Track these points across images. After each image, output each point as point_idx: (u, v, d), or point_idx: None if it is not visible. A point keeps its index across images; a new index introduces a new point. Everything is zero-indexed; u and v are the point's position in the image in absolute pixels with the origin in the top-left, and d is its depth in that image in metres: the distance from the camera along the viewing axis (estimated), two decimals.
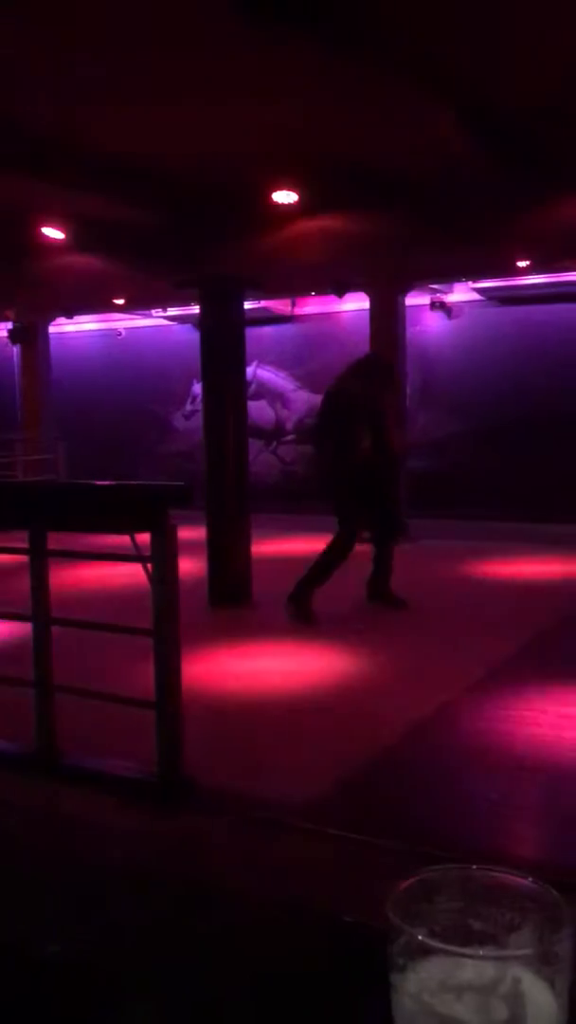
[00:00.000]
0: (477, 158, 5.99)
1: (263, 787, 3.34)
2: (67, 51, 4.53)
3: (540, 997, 0.48)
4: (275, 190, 6.57)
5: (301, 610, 6.08)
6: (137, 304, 12.22)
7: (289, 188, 6.57)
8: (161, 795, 3.22)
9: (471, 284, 11.54)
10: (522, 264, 8.74)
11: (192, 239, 7.22)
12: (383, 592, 6.50)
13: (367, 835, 2.69)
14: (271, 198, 6.66)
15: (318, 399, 13.51)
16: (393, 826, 2.94)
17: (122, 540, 3.42)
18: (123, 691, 3.58)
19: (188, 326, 12.91)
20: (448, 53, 4.86)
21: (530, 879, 0.53)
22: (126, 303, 11.71)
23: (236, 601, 6.72)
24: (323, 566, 6.14)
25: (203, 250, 7.21)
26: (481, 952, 0.49)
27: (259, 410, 13.17)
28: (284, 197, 6.66)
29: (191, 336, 11.77)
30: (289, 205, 6.77)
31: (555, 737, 3.80)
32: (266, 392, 13.44)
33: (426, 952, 0.49)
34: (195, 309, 8.98)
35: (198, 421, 7.76)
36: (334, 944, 0.78)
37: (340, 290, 10.66)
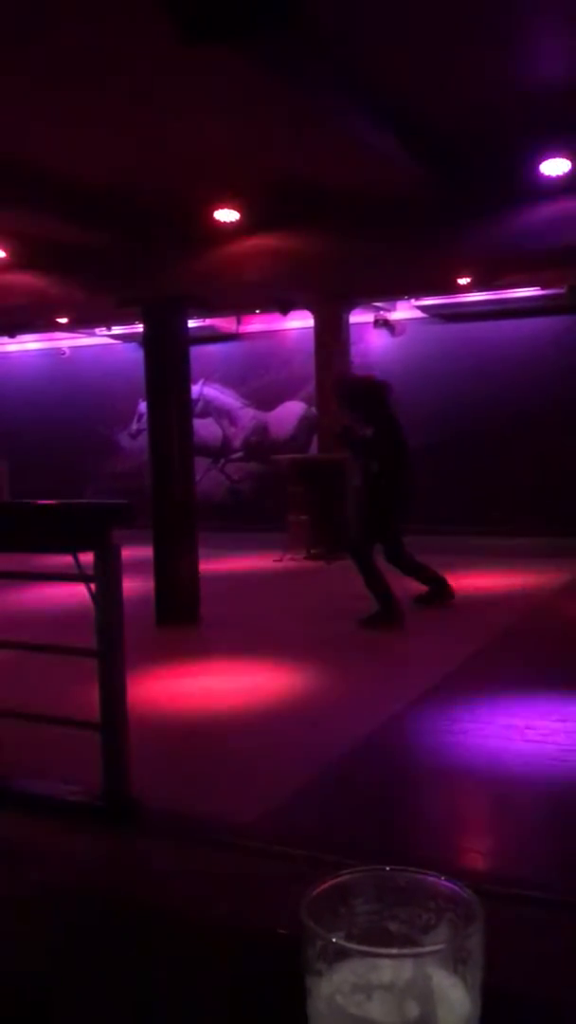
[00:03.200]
0: (417, 177, 6.08)
1: (209, 806, 3.32)
2: (7, 71, 4.51)
3: (452, 993, 0.49)
4: (217, 208, 6.59)
5: (388, 620, 6.26)
6: (81, 323, 12.15)
7: (230, 207, 6.60)
8: (107, 817, 3.18)
9: (414, 302, 11.70)
10: (463, 282, 8.89)
11: (134, 258, 7.21)
12: (432, 596, 6.89)
13: (311, 851, 2.69)
14: (213, 216, 6.69)
15: (264, 416, 13.60)
16: (337, 841, 2.94)
17: (65, 560, 3.38)
18: (67, 713, 3.53)
19: (133, 344, 12.87)
20: (388, 73, 4.94)
21: (444, 878, 0.53)
22: (70, 322, 11.63)
23: (183, 620, 6.68)
24: (372, 578, 6.40)
25: (146, 269, 7.20)
26: (393, 951, 0.49)
27: (206, 428, 13.16)
28: (226, 215, 6.69)
29: (136, 355, 11.72)
30: (231, 223, 6.80)
31: (502, 748, 3.84)
32: (213, 410, 13.45)
33: (341, 955, 0.49)
34: (140, 327, 8.95)
35: (144, 440, 7.73)
36: (272, 956, 0.78)
37: (284, 308, 10.73)
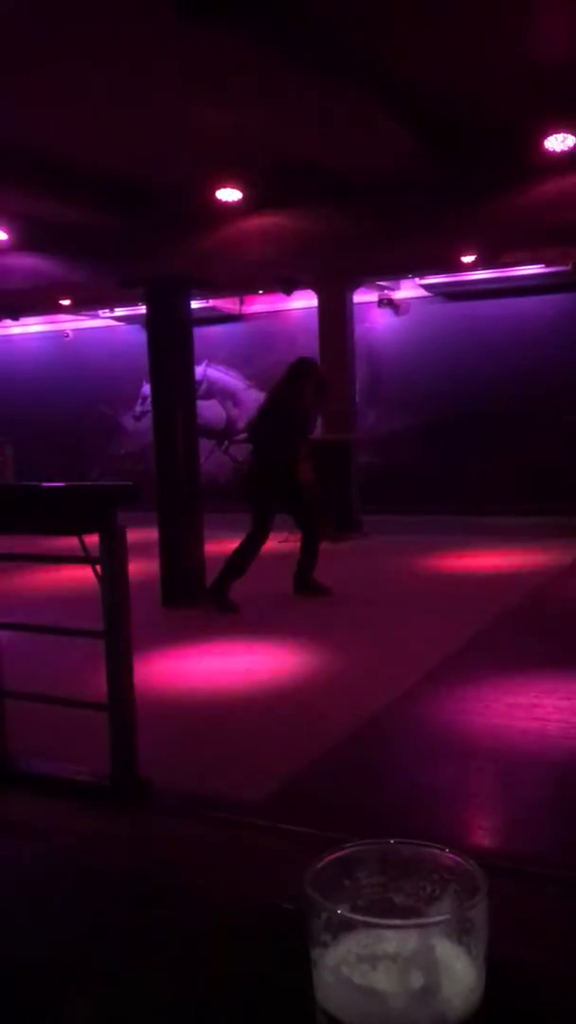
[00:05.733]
0: (420, 154, 6.03)
1: (217, 785, 3.34)
2: (8, 53, 4.48)
3: (456, 963, 0.49)
4: (219, 188, 6.55)
5: (221, 603, 6.24)
6: (84, 305, 12.10)
7: (232, 186, 6.55)
8: (115, 797, 3.20)
9: (418, 280, 11.64)
10: (467, 259, 8.83)
11: (136, 238, 7.17)
12: (306, 585, 6.61)
13: (319, 829, 2.71)
14: (215, 196, 6.64)
15: None
16: (344, 818, 2.96)
17: (71, 542, 3.39)
18: (75, 694, 3.56)
19: (136, 326, 12.83)
20: (390, 53, 4.89)
21: (448, 851, 0.54)
22: (72, 304, 11.59)
23: (189, 601, 6.70)
24: (239, 558, 6.33)
25: (148, 249, 7.17)
26: (398, 922, 0.50)
27: (210, 409, 13.14)
28: (228, 195, 6.64)
29: (139, 336, 11.68)
30: (233, 203, 6.76)
31: (506, 726, 3.85)
32: (217, 391, 13.42)
33: (346, 927, 0.50)
34: (143, 309, 8.92)
35: (148, 422, 7.72)
36: (278, 929, 0.79)
37: (288, 288, 10.68)
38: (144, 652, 4.77)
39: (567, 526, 9.60)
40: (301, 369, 6.56)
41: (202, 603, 6.34)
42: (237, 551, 6.35)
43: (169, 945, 0.80)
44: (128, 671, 3.31)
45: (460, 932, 0.50)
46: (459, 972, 0.49)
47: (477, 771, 3.53)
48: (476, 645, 5.26)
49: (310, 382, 6.49)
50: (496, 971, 0.52)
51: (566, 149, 6.06)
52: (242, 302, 12.93)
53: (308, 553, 6.61)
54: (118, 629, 3.30)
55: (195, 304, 8.98)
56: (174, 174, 6.42)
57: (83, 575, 3.57)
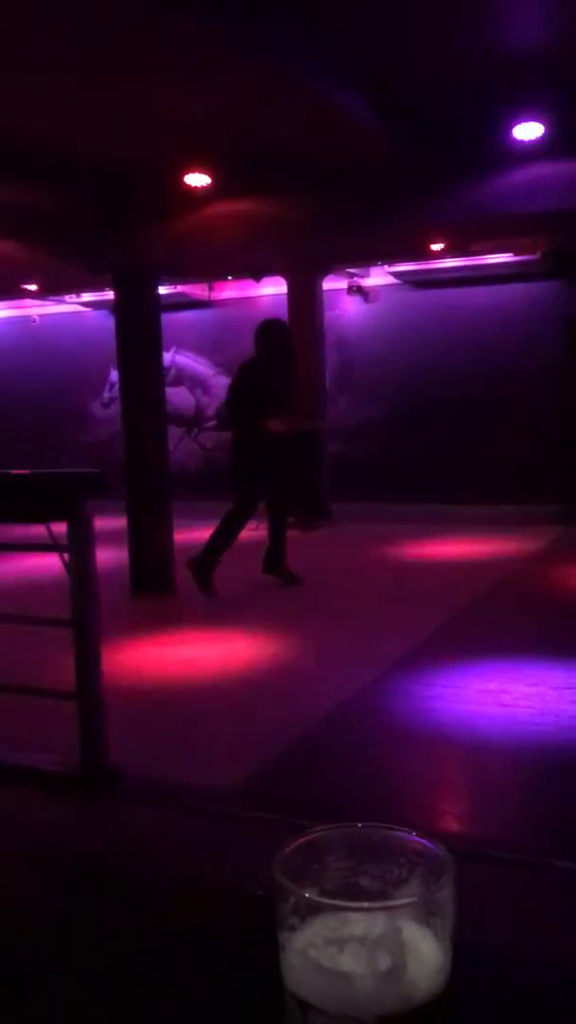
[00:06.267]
0: (390, 142, 6.02)
1: (188, 774, 3.34)
2: None
3: (423, 945, 0.49)
4: (187, 173, 6.50)
5: (202, 580, 6.23)
6: (51, 290, 11.98)
7: (201, 171, 6.51)
8: (85, 786, 3.19)
9: (387, 268, 11.64)
10: (436, 247, 8.84)
11: (105, 224, 7.10)
12: (278, 566, 6.59)
13: (289, 815, 2.72)
14: (184, 181, 6.59)
15: None
16: (315, 805, 2.97)
17: (39, 530, 3.36)
18: (44, 684, 3.53)
19: (104, 312, 12.71)
20: (360, 37, 4.87)
21: (415, 834, 0.54)
22: (39, 289, 11.46)
23: (158, 589, 6.68)
24: (223, 534, 6.30)
25: (116, 235, 7.10)
26: (364, 905, 0.50)
27: (178, 396, 13.08)
28: (197, 180, 6.60)
29: (107, 322, 11.59)
30: (202, 188, 6.71)
31: (475, 712, 3.89)
32: (185, 378, 13.35)
33: (314, 910, 0.50)
34: (111, 295, 8.85)
35: (117, 409, 7.67)
36: (248, 914, 0.79)
37: (257, 274, 10.64)
38: (114, 640, 4.75)
39: (538, 514, 9.69)
40: (263, 328, 6.52)
41: (186, 573, 6.30)
42: (220, 531, 6.32)
43: (138, 933, 0.80)
44: (96, 659, 3.29)
45: (427, 914, 0.50)
46: (425, 954, 0.49)
47: (446, 756, 3.56)
48: (446, 632, 5.30)
49: (273, 341, 6.43)
50: (462, 954, 0.52)
51: (534, 139, 6.08)
52: (211, 288, 12.87)
53: (276, 536, 6.59)
54: (86, 617, 3.28)
55: (164, 290, 8.92)
56: (143, 159, 6.37)
57: (51, 563, 3.55)
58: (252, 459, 6.33)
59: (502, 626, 5.52)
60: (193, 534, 8.36)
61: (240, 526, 6.32)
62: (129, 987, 0.71)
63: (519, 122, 5.95)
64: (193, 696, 4.29)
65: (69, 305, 13.46)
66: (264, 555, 6.61)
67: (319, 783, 3.29)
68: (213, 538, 6.29)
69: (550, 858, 2.53)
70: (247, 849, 2.54)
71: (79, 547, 3.23)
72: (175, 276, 10.23)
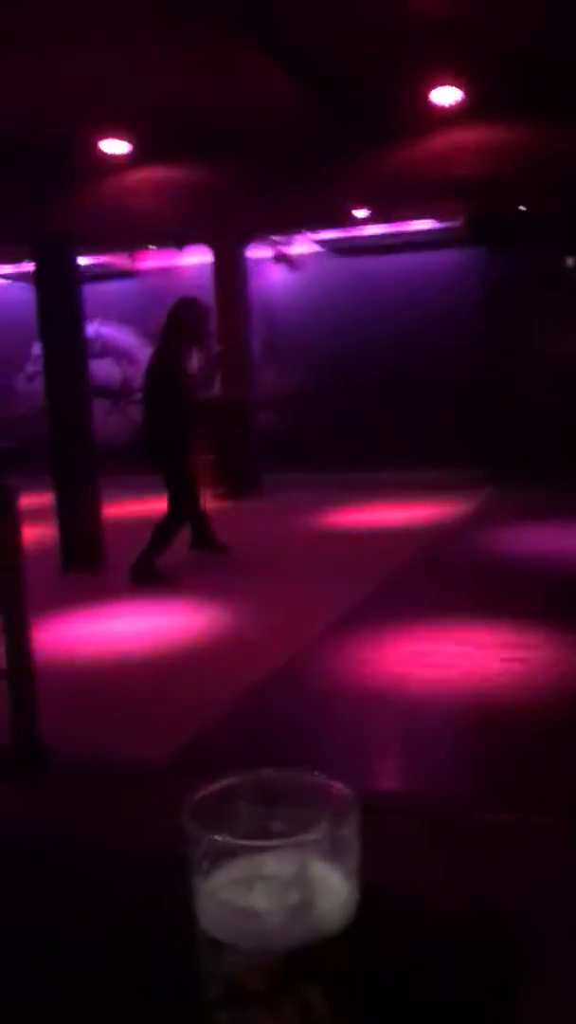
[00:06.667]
0: (309, 108, 5.99)
1: (121, 748, 3.34)
2: None
3: (330, 879, 0.51)
4: (104, 139, 6.37)
5: (149, 577, 6.00)
6: None
7: (119, 137, 6.39)
8: (15, 766, 3.16)
9: (312, 236, 11.60)
10: (359, 214, 8.85)
11: (20, 191, 6.93)
12: (204, 540, 6.57)
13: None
14: (100, 148, 6.46)
15: None
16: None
17: None
18: None
19: (24, 284, 12.40)
20: (277, 3, 4.82)
21: (323, 776, 0.56)
22: None
23: (88, 565, 6.61)
24: (163, 532, 6.09)
25: (33, 203, 6.93)
26: (271, 843, 0.52)
27: (104, 368, 12.88)
28: (114, 147, 6.47)
29: (27, 295, 11.33)
30: (119, 156, 6.59)
31: (406, 674, 3.96)
32: (111, 350, 13.15)
33: (224, 853, 0.51)
34: (30, 267, 8.64)
35: (41, 383, 7.52)
36: (168, 870, 0.80)
37: (179, 243, 10.50)
38: (43, 618, 4.70)
39: (461, 479, 9.86)
40: (174, 313, 6.30)
41: (133, 582, 5.97)
42: (160, 526, 6.08)
43: (58, 897, 0.81)
44: (26, 637, 3.25)
45: (333, 851, 0.52)
46: (332, 888, 0.51)
47: (377, 717, 3.62)
48: (376, 599, 5.37)
49: (186, 322, 6.23)
50: (373, 893, 0.54)
51: (453, 104, 6.11)
52: (134, 258, 12.65)
53: (184, 516, 6.28)
54: (14, 595, 3.24)
55: (85, 260, 8.75)
56: (58, 125, 6.22)
57: None
58: (179, 440, 6.15)
59: (430, 589, 5.63)
60: (123, 508, 8.29)
61: (182, 518, 6.17)
62: (50, 951, 0.72)
63: (437, 86, 5.97)
64: (124, 671, 4.28)
65: None
66: (190, 531, 6.57)
67: (251, 747, 3.32)
68: (155, 536, 6.06)
69: (473, 808, 2.61)
70: (175, 816, 2.56)
71: (3, 523, 3.18)
72: (95, 245, 10.03)
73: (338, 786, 0.54)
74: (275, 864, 0.51)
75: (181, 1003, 0.57)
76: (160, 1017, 0.60)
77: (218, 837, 0.51)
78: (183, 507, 6.14)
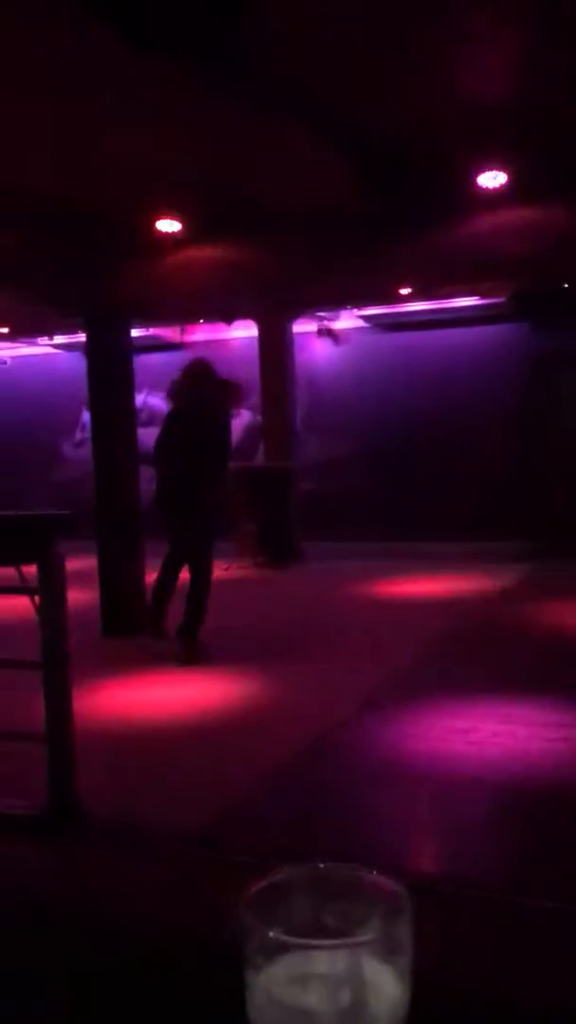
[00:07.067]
0: (357, 189, 6.17)
1: (157, 816, 3.31)
2: None
3: (383, 980, 0.51)
4: (158, 219, 6.60)
5: (197, 653, 5.75)
6: (22, 333, 12.03)
7: (172, 217, 6.61)
8: (52, 829, 3.15)
9: (356, 311, 11.83)
10: (404, 292, 9.01)
11: (76, 267, 7.17)
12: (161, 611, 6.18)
13: (259, 856, 2.70)
14: (155, 226, 6.69)
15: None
16: (283, 846, 2.96)
17: (7, 571, 3.36)
18: (11, 726, 3.50)
19: (76, 353, 12.76)
20: (329, 85, 5.01)
21: (375, 873, 0.56)
22: (10, 331, 11.50)
23: (129, 630, 6.64)
24: (200, 599, 5.85)
25: (87, 278, 7.17)
26: (326, 942, 0.52)
27: (151, 437, 13.09)
28: (168, 226, 6.70)
29: (79, 364, 11.64)
30: (173, 234, 6.81)
31: (444, 751, 3.90)
32: (158, 419, 13.38)
33: (278, 949, 0.52)
34: (82, 337, 8.90)
35: (88, 449, 7.68)
36: (216, 960, 0.80)
37: (228, 318, 10.76)
38: (83, 682, 4.71)
39: (502, 552, 9.79)
40: (199, 371, 6.19)
41: (187, 663, 5.68)
42: (198, 598, 5.83)
43: (105, 974, 0.80)
44: (67, 701, 3.27)
45: (387, 951, 0.52)
46: (385, 989, 0.51)
47: (415, 796, 3.56)
48: (414, 671, 5.32)
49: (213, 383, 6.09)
50: (423, 989, 0.54)
51: (498, 186, 6.25)
52: (183, 331, 12.97)
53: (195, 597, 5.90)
54: (56, 659, 3.26)
55: (136, 332, 8.98)
56: (114, 203, 6.46)
57: (18, 604, 3.54)
58: (213, 514, 5.96)
59: (468, 664, 5.55)
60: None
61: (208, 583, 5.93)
62: None
63: (484, 170, 6.12)
64: (162, 737, 4.26)
65: (41, 347, 13.50)
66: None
67: (288, 822, 3.27)
68: (195, 609, 5.82)
69: (518, 897, 2.54)
70: (215, 891, 2.52)
71: (49, 588, 3.22)
72: (146, 320, 10.32)
73: (392, 884, 0.55)
74: (328, 962, 0.51)
75: None
76: None
77: (275, 933, 0.51)
78: (208, 572, 5.94)
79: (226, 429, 6.05)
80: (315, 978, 0.50)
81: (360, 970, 0.51)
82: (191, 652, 5.77)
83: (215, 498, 5.96)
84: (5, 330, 11.14)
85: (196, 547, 5.93)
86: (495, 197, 6.36)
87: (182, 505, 5.83)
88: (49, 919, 0.97)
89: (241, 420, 12.73)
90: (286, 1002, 0.50)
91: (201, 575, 5.88)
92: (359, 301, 10.86)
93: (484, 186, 6.26)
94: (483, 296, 10.74)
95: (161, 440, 6.16)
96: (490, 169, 6.12)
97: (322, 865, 0.57)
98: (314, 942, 0.51)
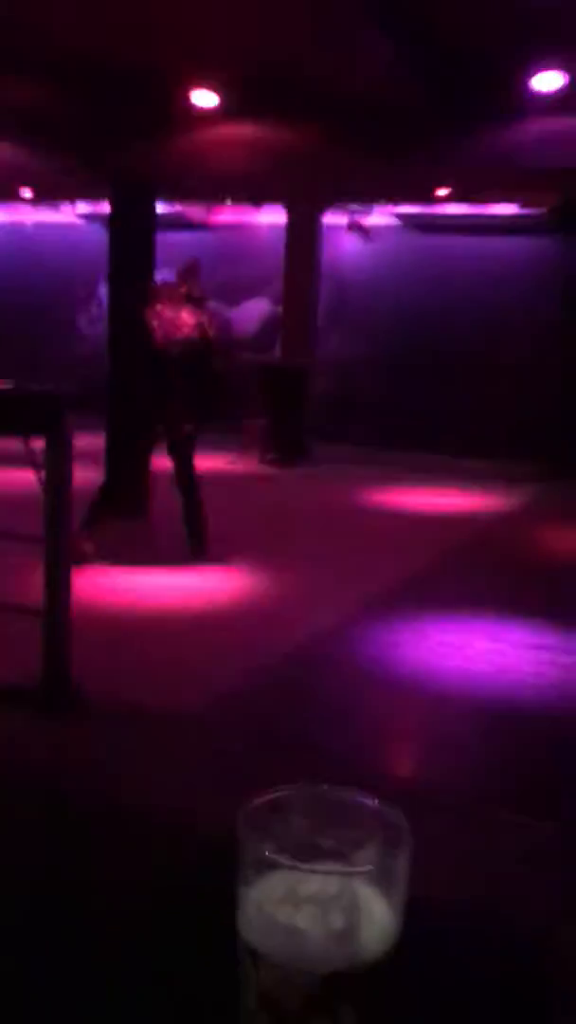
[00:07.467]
0: (408, 81, 5.87)
1: (150, 697, 3.38)
2: None
3: (376, 908, 0.51)
4: (195, 89, 6.31)
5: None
6: (46, 196, 11.67)
7: (210, 88, 6.32)
8: (45, 702, 3.22)
9: (391, 208, 11.44)
10: (442, 192, 8.70)
11: (106, 133, 6.90)
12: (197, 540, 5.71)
13: (248, 745, 2.77)
14: (190, 99, 6.40)
15: (230, 311, 13.28)
16: (274, 738, 3.02)
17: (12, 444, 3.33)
18: (8, 598, 3.53)
19: (98, 225, 12.42)
20: None
21: (376, 800, 0.55)
22: (33, 195, 11.17)
23: (132, 513, 6.65)
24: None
25: (118, 144, 6.90)
26: (322, 868, 0.51)
27: None
28: (205, 99, 6.41)
29: (101, 236, 11.35)
30: (209, 108, 6.52)
31: (437, 664, 3.95)
32: None
33: (273, 867, 0.51)
34: (106, 208, 8.63)
35: (103, 326, 7.54)
36: (207, 857, 0.80)
37: (257, 200, 10.43)
38: (80, 564, 4.75)
39: (517, 470, 9.71)
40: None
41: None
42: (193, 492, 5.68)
43: (100, 868, 0.81)
44: (66, 577, 3.30)
45: (382, 880, 0.51)
46: (377, 916, 0.51)
47: (404, 703, 3.62)
48: (414, 582, 5.35)
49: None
50: (409, 908, 0.54)
51: (554, 90, 5.95)
52: (210, 211, 12.58)
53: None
54: (58, 534, 3.28)
55: (160, 208, 8.72)
56: (152, 70, 6.16)
57: (21, 478, 3.53)
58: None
59: (470, 581, 5.59)
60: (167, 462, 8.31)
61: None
62: (90, 918, 0.73)
63: (539, 71, 5.82)
64: (158, 623, 4.32)
65: (63, 216, 13.13)
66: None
67: (277, 715, 3.34)
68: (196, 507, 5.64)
69: (500, 808, 2.61)
70: (202, 776, 2.59)
71: (56, 464, 3.21)
72: (174, 195, 9.98)
73: (393, 813, 0.54)
74: (321, 884, 0.51)
75: (219, 1004, 0.57)
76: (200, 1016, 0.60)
77: (270, 852, 0.50)
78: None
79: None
80: (307, 899, 0.50)
81: (354, 896, 0.50)
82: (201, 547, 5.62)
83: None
84: (28, 194, 10.81)
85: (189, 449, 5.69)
86: (550, 102, 6.06)
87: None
88: (41, 796, 0.98)
89: (260, 309, 12.49)
90: (277, 919, 0.50)
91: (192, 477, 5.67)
92: (396, 198, 10.50)
93: (538, 90, 5.96)
94: (523, 205, 10.37)
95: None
96: (546, 70, 5.82)
97: (323, 787, 0.56)
98: (310, 867, 0.51)
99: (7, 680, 3.31)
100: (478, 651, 4.10)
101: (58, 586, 3.28)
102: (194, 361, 5.50)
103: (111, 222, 7.21)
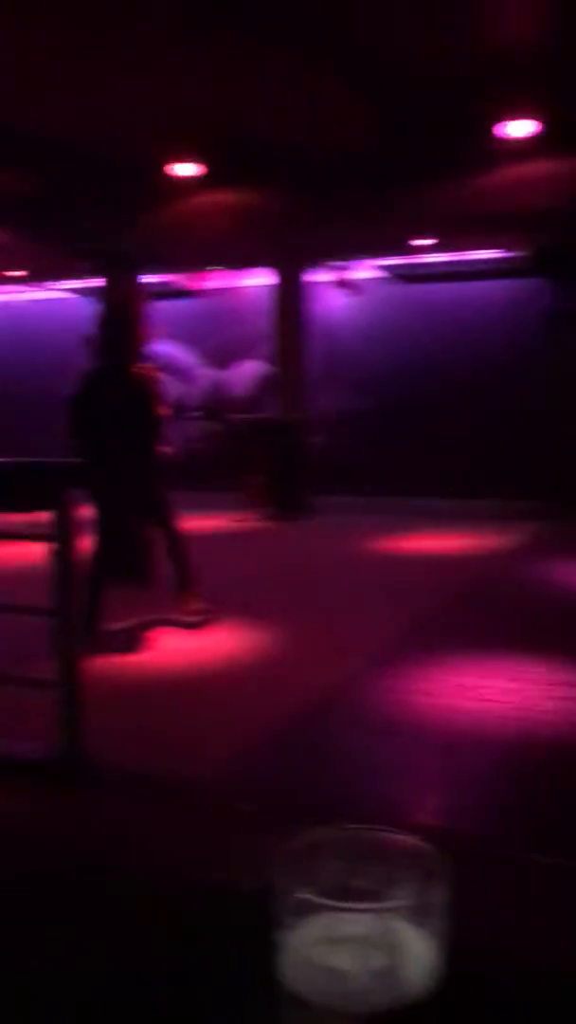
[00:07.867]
0: (380, 136, 6.04)
1: (165, 762, 3.35)
2: None
3: (415, 945, 0.51)
4: (175, 162, 6.49)
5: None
6: (40, 277, 11.92)
7: (189, 160, 6.50)
8: (61, 774, 3.19)
9: (374, 262, 11.65)
10: (421, 243, 8.87)
11: (92, 211, 7.07)
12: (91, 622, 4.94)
13: (271, 807, 2.73)
14: (171, 171, 6.58)
15: (220, 375, 13.47)
16: (292, 796, 2.99)
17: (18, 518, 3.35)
18: (21, 673, 3.53)
19: (91, 299, 12.64)
20: (352, 30, 4.88)
21: (408, 837, 0.55)
22: (28, 276, 11.41)
23: (136, 580, 6.65)
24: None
25: (103, 222, 7.08)
26: (360, 906, 0.51)
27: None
28: (186, 170, 6.58)
29: (89, 310, 11.54)
30: (191, 178, 6.70)
31: (454, 707, 3.92)
32: (168, 368, 13.29)
33: (310, 910, 0.51)
34: (97, 282, 8.81)
35: None
36: (235, 910, 0.80)
37: (242, 265, 10.64)
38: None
39: (515, 510, 9.76)
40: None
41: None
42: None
43: (122, 929, 0.81)
44: (78, 648, 3.30)
45: (419, 915, 0.51)
46: (418, 953, 0.51)
47: (424, 750, 3.58)
48: (423, 627, 5.33)
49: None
50: (452, 952, 0.53)
51: (525, 136, 6.12)
52: (196, 278, 12.81)
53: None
54: (67, 606, 3.28)
55: (149, 279, 8.89)
56: (131, 147, 6.34)
57: (23, 553, 3.55)
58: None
59: (480, 621, 5.57)
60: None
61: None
62: (122, 985, 0.72)
63: (511, 119, 5.98)
64: (171, 686, 4.30)
65: (54, 292, 13.38)
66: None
67: (299, 773, 3.30)
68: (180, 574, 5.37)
69: (531, 852, 2.56)
70: (227, 840, 2.55)
71: (62, 536, 3.23)
72: (160, 265, 10.19)
73: (425, 848, 0.54)
74: (360, 924, 0.51)
75: None
76: None
77: (308, 895, 0.51)
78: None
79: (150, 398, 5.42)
80: (348, 939, 0.50)
81: (393, 934, 0.50)
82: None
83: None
84: (22, 273, 11.04)
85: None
86: (520, 148, 6.23)
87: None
88: (59, 868, 0.98)
89: (252, 369, 12.63)
90: (319, 962, 0.50)
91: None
92: (376, 251, 10.71)
93: (510, 136, 6.12)
94: (504, 250, 10.57)
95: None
96: (518, 118, 5.98)
97: (354, 827, 0.57)
98: (347, 905, 0.51)
99: (21, 752, 3.29)
100: (496, 692, 4.06)
101: (69, 657, 3.28)
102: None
103: (102, 296, 7.34)
